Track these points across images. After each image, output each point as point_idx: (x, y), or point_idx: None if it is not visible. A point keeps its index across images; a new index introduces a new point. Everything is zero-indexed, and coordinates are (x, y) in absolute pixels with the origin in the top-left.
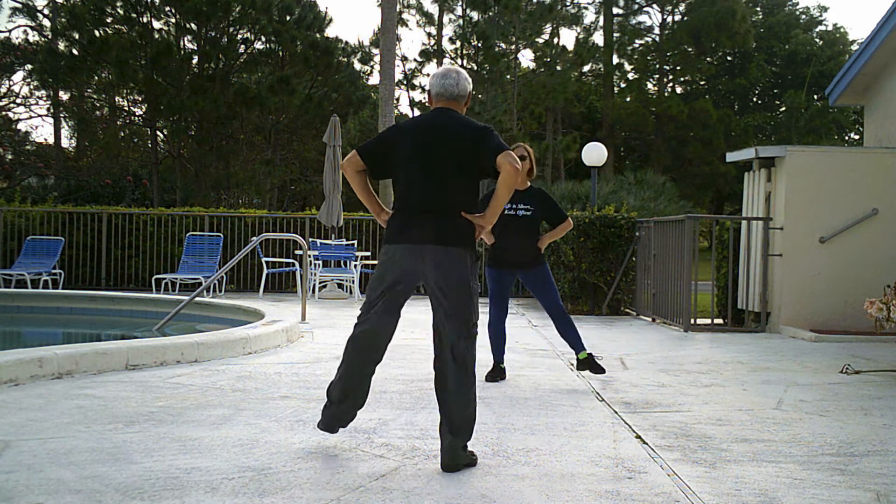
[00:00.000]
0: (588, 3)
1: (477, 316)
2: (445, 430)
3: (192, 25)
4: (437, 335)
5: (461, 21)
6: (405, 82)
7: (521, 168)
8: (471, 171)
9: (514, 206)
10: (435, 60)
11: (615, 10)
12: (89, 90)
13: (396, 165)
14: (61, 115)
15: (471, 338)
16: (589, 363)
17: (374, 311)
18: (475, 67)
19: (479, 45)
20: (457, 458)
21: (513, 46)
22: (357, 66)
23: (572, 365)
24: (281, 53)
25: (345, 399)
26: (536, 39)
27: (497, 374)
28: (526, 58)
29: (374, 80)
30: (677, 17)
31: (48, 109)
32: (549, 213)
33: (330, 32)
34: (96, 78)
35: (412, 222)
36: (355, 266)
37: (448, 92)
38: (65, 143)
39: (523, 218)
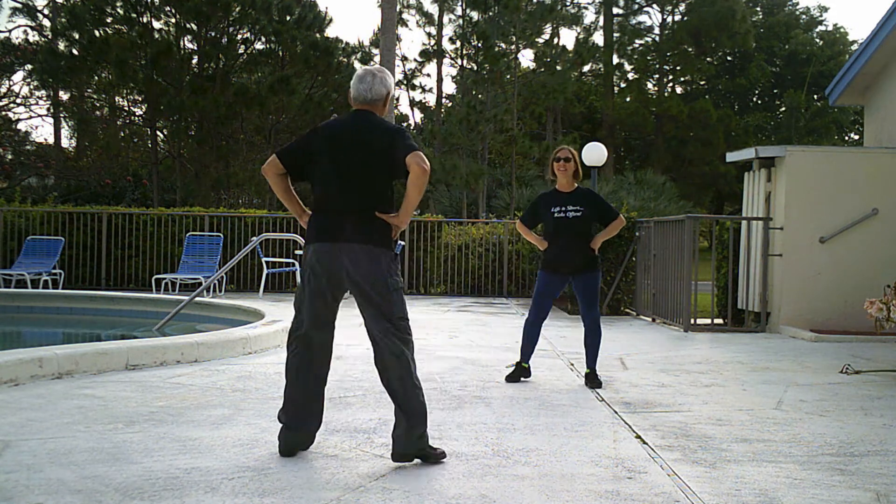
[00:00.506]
0: (588, 3)
1: (401, 311)
2: (400, 421)
3: (192, 25)
4: (369, 334)
5: (461, 21)
6: (405, 82)
7: (428, 168)
8: (384, 172)
9: (563, 209)
10: (435, 60)
11: (615, 10)
12: (89, 90)
13: (313, 167)
14: (61, 115)
15: (399, 331)
16: (592, 378)
17: (304, 316)
18: (475, 67)
19: (479, 45)
20: (410, 447)
21: (513, 46)
22: (357, 66)
23: (573, 365)
24: (281, 53)
25: (290, 425)
26: (536, 39)
27: (519, 373)
28: (526, 58)
29: None
30: (677, 17)
31: (48, 109)
32: (600, 213)
33: (330, 32)
34: (96, 78)
35: (329, 222)
36: None
37: (362, 96)
38: (65, 143)
39: (574, 220)
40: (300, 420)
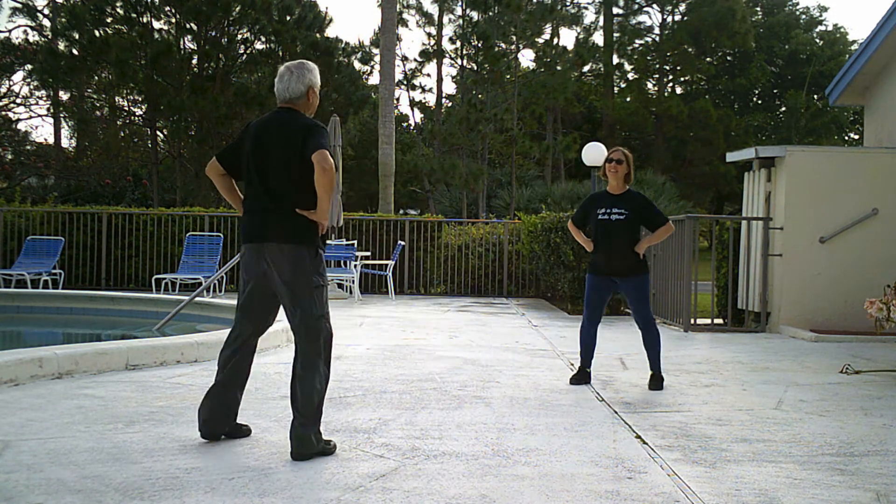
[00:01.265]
0: (588, 3)
1: (320, 310)
2: (295, 418)
3: (192, 25)
4: (291, 328)
5: (461, 21)
6: (405, 82)
7: (329, 168)
8: (298, 169)
9: (608, 211)
10: (435, 60)
11: (615, 10)
12: (89, 90)
13: (243, 166)
14: (61, 115)
15: (314, 330)
16: (654, 381)
17: (238, 314)
18: (475, 67)
19: (480, 45)
20: (305, 445)
21: (513, 46)
22: (357, 66)
23: (573, 365)
24: (281, 53)
25: (207, 411)
26: (536, 39)
27: (582, 377)
28: (526, 58)
29: (374, 80)
30: (677, 17)
31: (48, 109)
32: (647, 218)
33: (330, 32)
34: (96, 78)
35: (253, 222)
36: (355, 266)
37: (281, 95)
38: (65, 143)
39: (616, 222)
40: (215, 411)
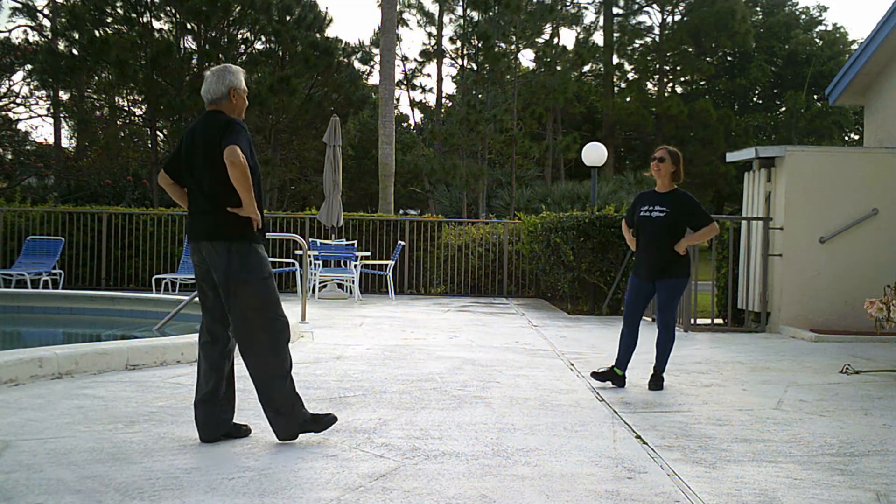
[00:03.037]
0: (588, 3)
1: (259, 300)
2: (266, 411)
3: (192, 25)
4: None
5: (461, 21)
6: (405, 82)
7: (237, 162)
8: (221, 167)
9: (650, 209)
10: (435, 60)
11: (615, 10)
12: (89, 90)
13: (182, 170)
14: (61, 115)
15: (252, 322)
16: (653, 380)
17: (202, 313)
18: (475, 67)
19: (480, 45)
20: (287, 429)
21: (513, 46)
22: (357, 66)
23: (573, 365)
24: (281, 53)
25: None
26: (536, 39)
27: (607, 376)
28: (526, 58)
29: (374, 80)
30: (677, 17)
31: (48, 109)
32: (690, 217)
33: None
34: (96, 78)
35: (190, 222)
36: (355, 266)
37: (204, 97)
38: (65, 143)
39: (656, 220)
40: (208, 410)
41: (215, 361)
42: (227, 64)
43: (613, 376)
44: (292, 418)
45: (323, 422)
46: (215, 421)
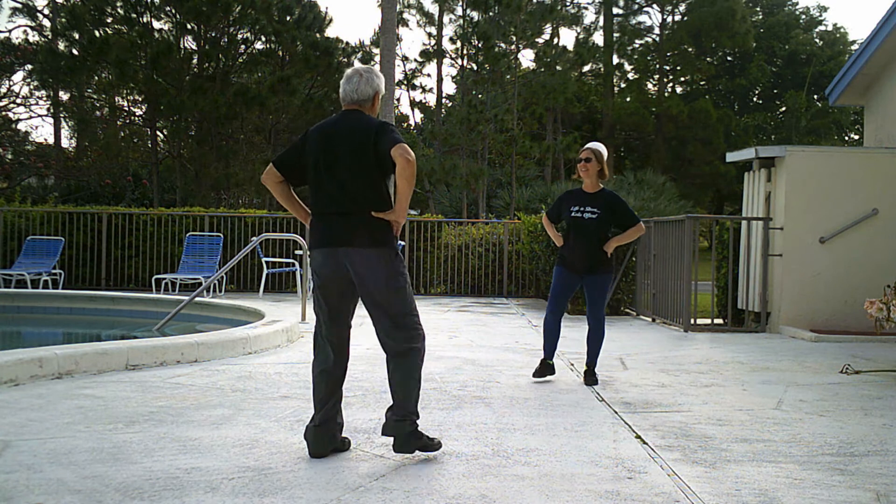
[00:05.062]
0: (588, 3)
1: (408, 308)
2: (393, 413)
3: (193, 25)
4: (375, 331)
5: (461, 21)
6: (405, 82)
7: (412, 159)
8: (374, 170)
9: (581, 209)
10: (435, 60)
11: (615, 10)
12: (89, 90)
13: (308, 171)
14: (61, 115)
15: (403, 329)
16: (590, 375)
17: (320, 320)
18: (475, 67)
19: (480, 45)
20: (406, 445)
21: (513, 46)
22: (357, 66)
23: (573, 365)
24: (281, 53)
25: (314, 418)
26: (536, 39)
27: (544, 370)
28: (526, 58)
29: None
30: (677, 17)
31: (48, 109)
32: (619, 218)
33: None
34: (96, 78)
35: (325, 226)
36: None
37: (348, 97)
38: (65, 143)
39: (588, 221)
40: (324, 420)
41: (338, 378)
42: (371, 66)
43: (548, 368)
44: (413, 426)
45: (435, 443)
46: (330, 435)
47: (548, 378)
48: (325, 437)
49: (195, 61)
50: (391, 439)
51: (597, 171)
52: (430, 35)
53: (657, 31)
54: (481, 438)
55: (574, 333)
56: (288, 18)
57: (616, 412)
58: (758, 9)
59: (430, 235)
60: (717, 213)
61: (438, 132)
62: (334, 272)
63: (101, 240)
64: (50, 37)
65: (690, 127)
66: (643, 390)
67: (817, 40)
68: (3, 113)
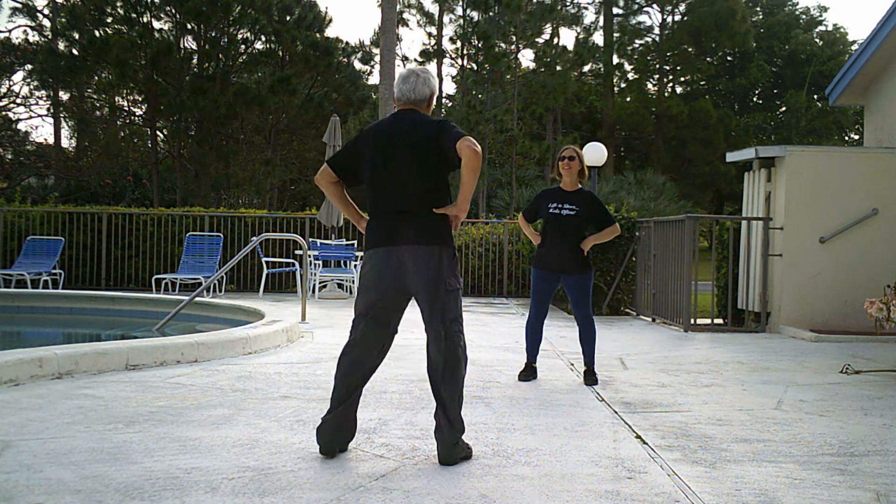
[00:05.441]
0: (588, 3)
1: (458, 312)
2: (441, 424)
3: (192, 25)
4: (426, 332)
5: (461, 21)
6: None
7: (478, 151)
8: (435, 167)
9: (559, 206)
10: (435, 60)
11: (615, 10)
12: (89, 90)
13: (365, 171)
14: (61, 115)
15: (452, 333)
16: (590, 375)
17: (363, 323)
18: (475, 67)
19: (480, 45)
20: (450, 455)
21: (513, 46)
22: (357, 66)
23: (573, 365)
24: (281, 53)
25: (330, 413)
26: (536, 39)
27: (529, 373)
28: (526, 58)
29: (374, 80)
30: (677, 17)
31: (48, 109)
32: (596, 216)
33: (330, 32)
34: (96, 78)
35: (385, 225)
36: (355, 266)
37: (405, 97)
38: (65, 143)
39: (567, 218)
40: (341, 419)
41: (371, 369)
42: (425, 66)
43: (533, 371)
44: (459, 426)
45: (468, 451)
46: (345, 431)
47: (536, 379)
48: (341, 433)
49: (195, 61)
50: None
51: (577, 171)
52: (430, 35)
53: (657, 31)
54: (481, 438)
55: (574, 333)
56: (288, 18)
57: (616, 412)
58: (758, 9)
59: None
60: (717, 213)
61: None
62: (392, 272)
63: (101, 240)
64: (50, 37)
65: (690, 127)
66: (643, 390)
67: (817, 40)
68: (3, 113)
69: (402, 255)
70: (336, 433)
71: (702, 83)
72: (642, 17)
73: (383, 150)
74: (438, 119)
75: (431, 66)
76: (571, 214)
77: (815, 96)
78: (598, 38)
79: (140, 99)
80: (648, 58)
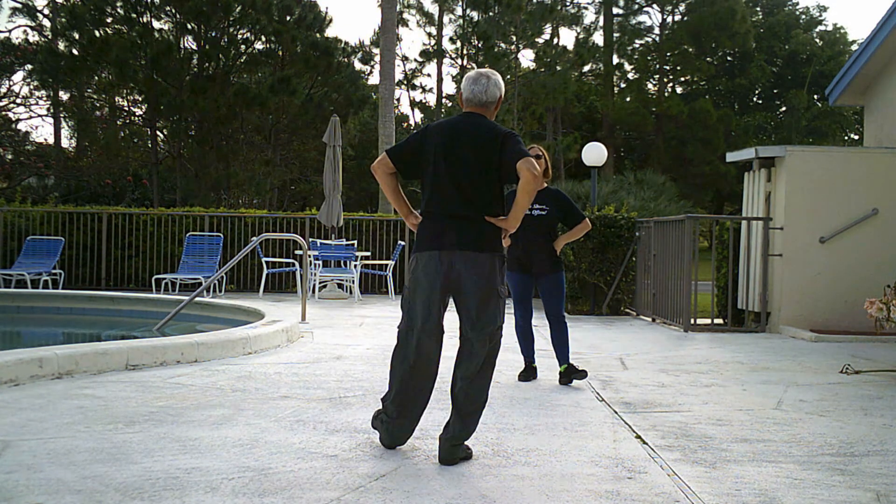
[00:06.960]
0: (588, 3)
1: (502, 320)
2: (454, 424)
3: (193, 25)
4: (462, 339)
5: (461, 21)
6: (405, 82)
7: (539, 175)
8: (493, 176)
9: (530, 207)
10: (435, 60)
11: (615, 10)
12: (89, 90)
13: (424, 168)
14: (61, 115)
15: (493, 342)
16: (568, 374)
17: (417, 325)
18: (475, 67)
19: (480, 45)
20: (451, 453)
21: (513, 46)
22: (357, 66)
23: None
24: (281, 53)
25: (400, 415)
26: (536, 39)
27: (529, 373)
28: (526, 58)
29: (374, 80)
30: (677, 17)
31: (48, 109)
32: (566, 214)
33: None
34: (96, 78)
35: (439, 229)
36: (355, 266)
37: (476, 98)
38: (65, 143)
39: (538, 218)
40: (407, 414)
41: (429, 375)
42: (492, 70)
43: (533, 371)
44: (473, 428)
45: (469, 452)
46: (409, 429)
47: (536, 379)
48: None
49: (195, 61)
50: (438, 441)
51: (544, 170)
52: (430, 35)
53: (657, 31)
54: (481, 438)
55: (575, 333)
56: (288, 18)
57: (616, 412)
58: (758, 9)
59: None
60: (717, 213)
61: None
62: (441, 277)
63: (101, 240)
64: (50, 37)
65: (690, 127)
66: (643, 390)
67: (817, 40)
68: (3, 113)
69: (452, 259)
70: (401, 429)
71: (702, 83)
72: (642, 17)
73: (445, 150)
74: (507, 130)
75: (431, 66)
76: (543, 214)
77: (816, 96)
78: (598, 38)
79: (140, 99)
80: (648, 58)
